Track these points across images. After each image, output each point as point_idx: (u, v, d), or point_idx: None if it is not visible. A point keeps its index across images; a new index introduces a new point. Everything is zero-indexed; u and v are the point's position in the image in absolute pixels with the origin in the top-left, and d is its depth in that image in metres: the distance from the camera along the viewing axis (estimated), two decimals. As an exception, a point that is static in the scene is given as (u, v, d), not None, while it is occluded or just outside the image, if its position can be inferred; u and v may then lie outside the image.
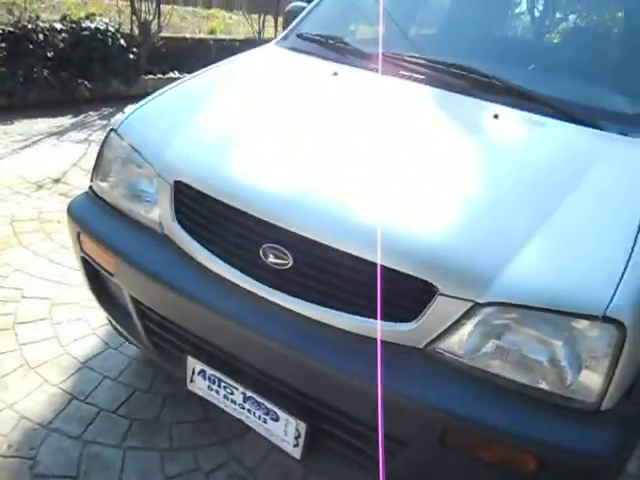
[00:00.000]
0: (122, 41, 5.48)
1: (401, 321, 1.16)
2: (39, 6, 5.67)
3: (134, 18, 5.55)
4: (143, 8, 5.67)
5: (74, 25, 5.20)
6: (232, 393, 1.37)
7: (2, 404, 1.86)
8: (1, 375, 1.99)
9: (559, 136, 1.54)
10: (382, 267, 1.14)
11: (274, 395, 1.30)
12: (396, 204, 1.25)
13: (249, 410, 1.36)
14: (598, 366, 1.09)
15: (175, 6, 7.00)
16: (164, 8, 6.10)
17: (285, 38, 2.17)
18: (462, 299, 1.12)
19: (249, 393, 1.34)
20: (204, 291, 1.33)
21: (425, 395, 1.11)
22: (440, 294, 1.12)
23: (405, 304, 1.16)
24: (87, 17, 5.50)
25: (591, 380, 1.09)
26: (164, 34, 6.09)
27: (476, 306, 1.11)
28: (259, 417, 1.34)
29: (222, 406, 1.42)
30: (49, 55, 4.86)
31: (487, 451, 1.11)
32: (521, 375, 1.12)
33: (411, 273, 1.13)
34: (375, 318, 1.16)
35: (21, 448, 1.73)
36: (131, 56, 5.56)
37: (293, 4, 2.44)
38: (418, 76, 1.74)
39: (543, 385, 1.11)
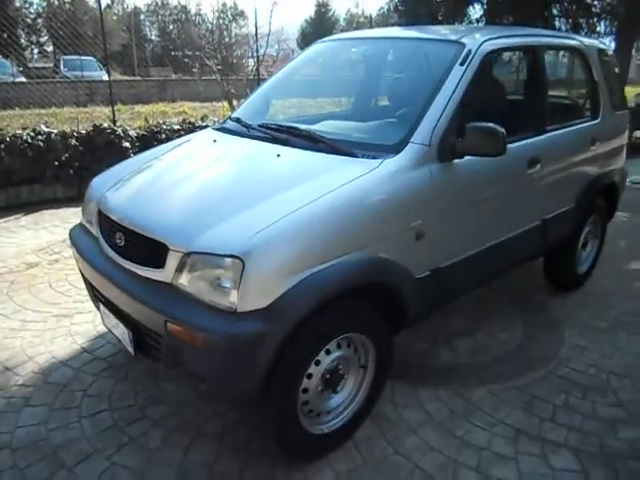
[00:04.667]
0: (227, 133, 7.17)
1: (160, 268, 2.12)
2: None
3: (234, 115, 7.21)
4: (243, 106, 7.33)
5: (190, 125, 7.05)
6: (111, 320, 2.42)
7: (46, 350, 3.16)
8: (54, 337, 3.31)
9: (305, 160, 2.43)
10: (149, 239, 2.14)
11: (119, 316, 2.32)
12: (172, 207, 2.26)
13: (117, 329, 2.38)
14: (234, 286, 1.91)
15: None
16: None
17: (224, 121, 3.31)
18: (179, 252, 2.04)
19: (115, 319, 2.37)
20: (100, 263, 2.43)
21: (158, 304, 2.05)
22: (170, 250, 2.07)
23: (160, 257, 2.11)
24: (202, 118, 7.35)
25: (232, 295, 1.91)
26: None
27: (185, 255, 2.03)
28: (120, 334, 2.36)
29: (114, 332, 2.46)
30: (168, 148, 6.70)
31: (186, 335, 1.97)
32: (207, 294, 1.97)
33: (160, 240, 2.10)
34: (152, 267, 2.15)
35: (44, 371, 2.96)
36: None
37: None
38: (259, 135, 2.75)
39: (217, 300, 1.95)
